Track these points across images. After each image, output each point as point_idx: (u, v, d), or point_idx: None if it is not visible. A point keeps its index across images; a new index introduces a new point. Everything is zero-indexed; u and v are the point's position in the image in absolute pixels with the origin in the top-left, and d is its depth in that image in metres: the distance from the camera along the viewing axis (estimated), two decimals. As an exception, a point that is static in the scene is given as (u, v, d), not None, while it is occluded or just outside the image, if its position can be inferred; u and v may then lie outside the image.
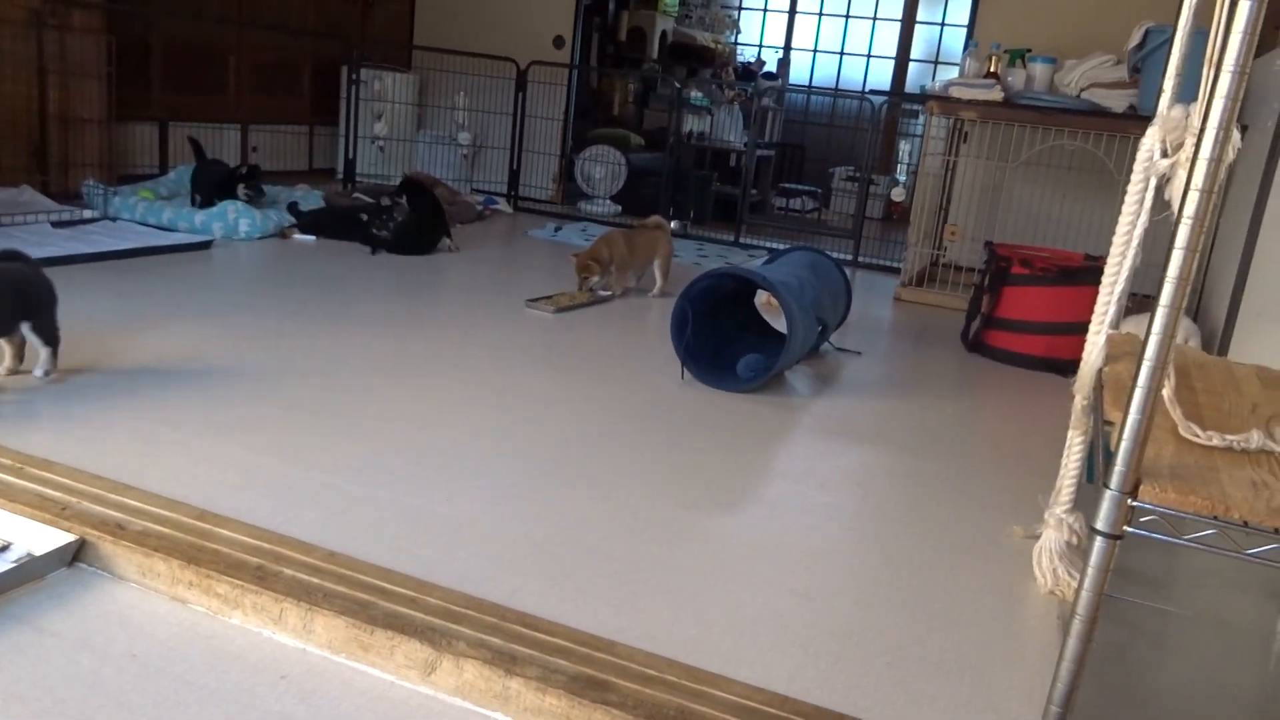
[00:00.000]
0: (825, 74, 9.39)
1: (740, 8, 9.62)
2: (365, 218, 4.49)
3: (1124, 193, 1.56)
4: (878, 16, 9.15)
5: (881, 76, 9.04)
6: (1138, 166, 1.51)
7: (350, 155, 6.23)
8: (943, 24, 8.73)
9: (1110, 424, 1.28)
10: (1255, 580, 1.99)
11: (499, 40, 6.59)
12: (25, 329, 2.28)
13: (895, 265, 5.39)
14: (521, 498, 1.97)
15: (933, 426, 2.79)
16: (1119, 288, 1.59)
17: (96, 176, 4.61)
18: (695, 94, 7.75)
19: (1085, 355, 1.66)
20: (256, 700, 1.28)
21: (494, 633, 1.40)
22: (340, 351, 2.84)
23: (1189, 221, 1.04)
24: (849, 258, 5.58)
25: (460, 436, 2.27)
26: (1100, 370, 1.60)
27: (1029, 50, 4.85)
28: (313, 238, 4.51)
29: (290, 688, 1.32)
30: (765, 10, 9.55)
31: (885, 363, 3.59)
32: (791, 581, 1.74)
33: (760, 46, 9.55)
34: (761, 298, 3.23)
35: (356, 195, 5.23)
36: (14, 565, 1.48)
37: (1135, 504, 1.10)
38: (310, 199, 4.94)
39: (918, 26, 8.83)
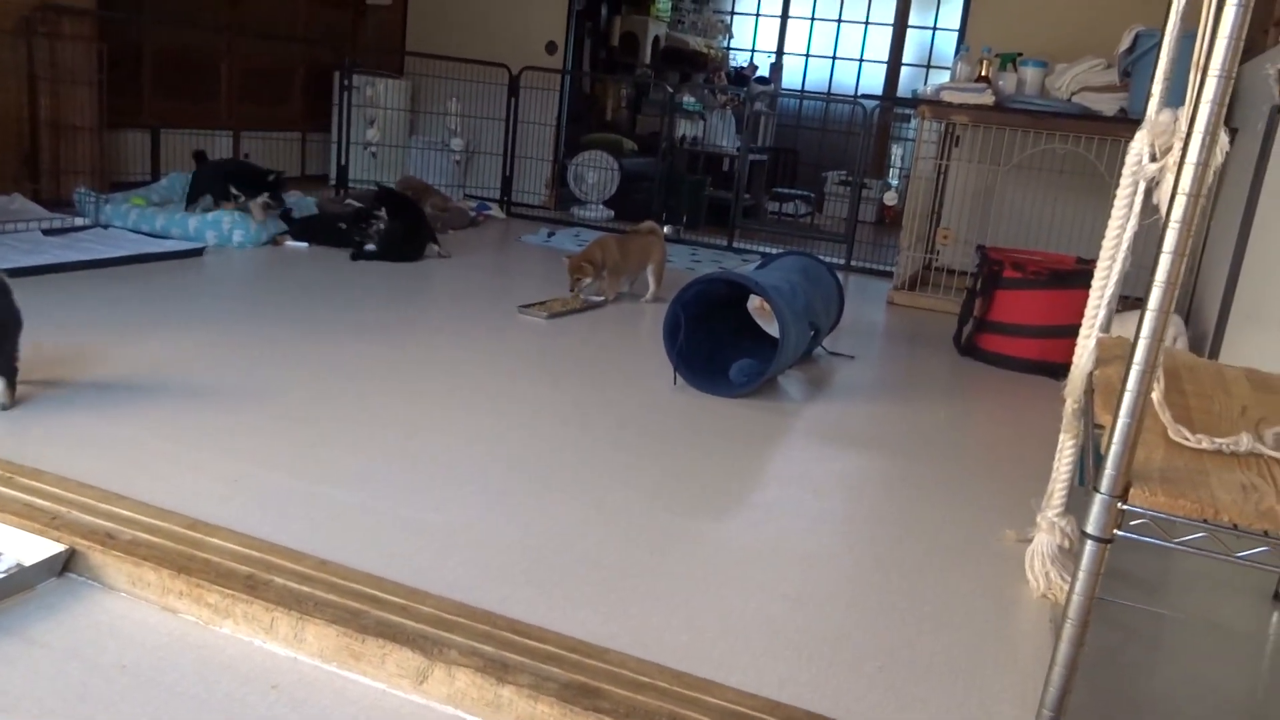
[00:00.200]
0: (818, 78, 9.41)
1: (733, 12, 9.64)
2: (344, 226, 4.48)
3: (1115, 196, 1.56)
4: (870, 21, 9.17)
5: (874, 81, 9.07)
6: (1126, 170, 1.51)
7: (343, 161, 6.23)
8: (934, 28, 8.76)
9: (1100, 427, 1.28)
10: (1246, 583, 1.99)
11: (491, 46, 6.59)
12: None
13: (888, 269, 5.40)
14: (514, 504, 1.97)
15: (925, 430, 2.79)
16: (1109, 291, 1.60)
17: (88, 184, 4.60)
18: (688, 99, 7.77)
19: (1075, 359, 1.66)
20: (247, 710, 1.28)
21: (486, 640, 1.40)
22: (332, 358, 2.84)
23: (1177, 225, 1.04)
24: (842, 262, 5.59)
25: (452, 443, 2.27)
26: (1090, 374, 1.60)
27: (1020, 54, 4.87)
28: (305, 244, 4.50)
29: (281, 697, 1.31)
30: (758, 15, 9.57)
31: (878, 367, 3.59)
32: (784, 586, 1.74)
33: (753, 51, 9.58)
34: (754, 302, 3.24)
35: (348, 201, 5.23)
36: (3, 575, 1.47)
37: (1125, 507, 1.11)
38: (303, 205, 4.93)
39: (910, 31, 8.86)
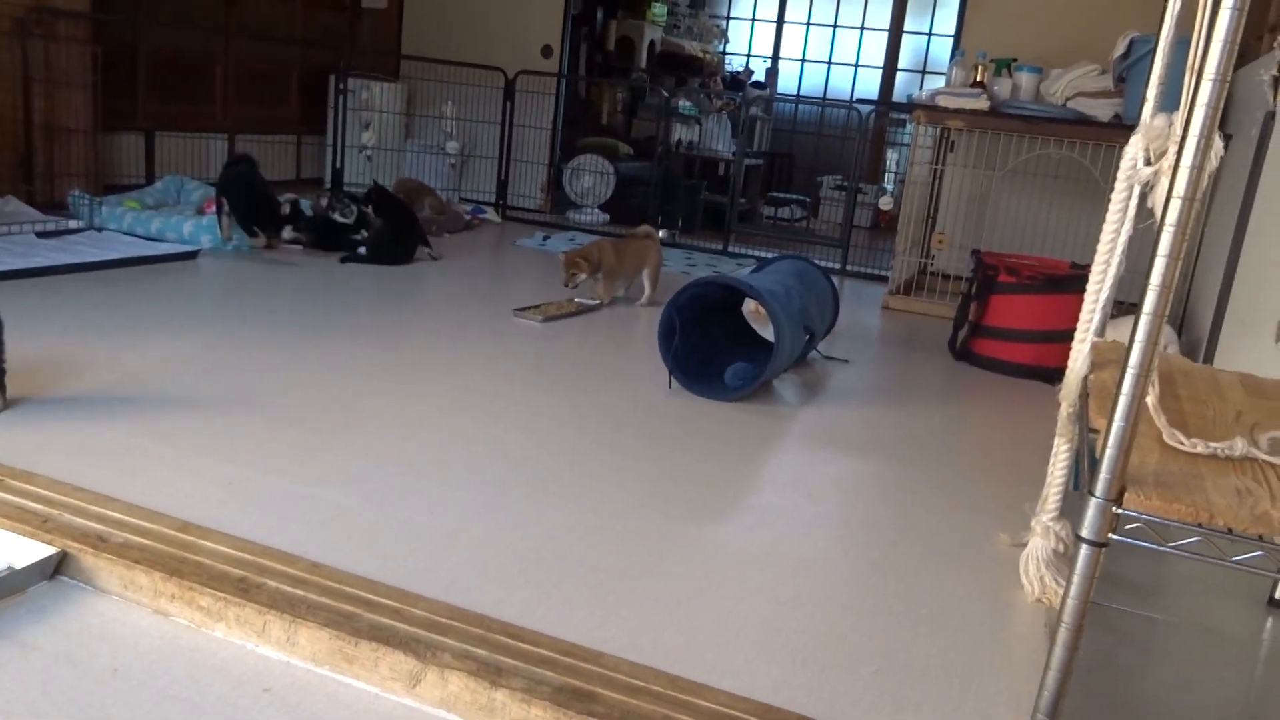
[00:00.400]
0: (813, 83, 9.43)
1: (728, 17, 9.66)
2: (325, 203, 4.45)
3: (1109, 201, 1.56)
4: (865, 26, 9.19)
5: (869, 86, 9.08)
6: (1121, 175, 1.52)
7: (338, 164, 6.22)
8: (930, 34, 8.78)
9: (1095, 431, 1.28)
10: (1241, 587, 1.99)
11: (487, 50, 6.59)
12: None
13: (883, 273, 5.41)
14: (508, 507, 1.96)
15: (920, 434, 2.79)
16: (1104, 296, 1.60)
17: (82, 186, 4.58)
18: (684, 103, 7.77)
19: (1070, 363, 1.66)
20: (240, 714, 1.27)
21: (479, 644, 1.39)
22: (326, 361, 2.83)
23: (1171, 229, 1.04)
24: (837, 266, 5.59)
25: (447, 445, 2.26)
26: (1085, 378, 1.60)
27: (1015, 59, 4.87)
28: (300, 247, 4.49)
29: (274, 700, 1.31)
30: (753, 20, 9.59)
31: (873, 371, 3.59)
32: (779, 590, 1.73)
33: (748, 56, 9.59)
34: (749, 306, 3.24)
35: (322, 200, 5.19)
36: (-6, 578, 1.47)
37: (1120, 511, 1.11)
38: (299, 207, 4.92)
39: (905, 36, 8.88)
